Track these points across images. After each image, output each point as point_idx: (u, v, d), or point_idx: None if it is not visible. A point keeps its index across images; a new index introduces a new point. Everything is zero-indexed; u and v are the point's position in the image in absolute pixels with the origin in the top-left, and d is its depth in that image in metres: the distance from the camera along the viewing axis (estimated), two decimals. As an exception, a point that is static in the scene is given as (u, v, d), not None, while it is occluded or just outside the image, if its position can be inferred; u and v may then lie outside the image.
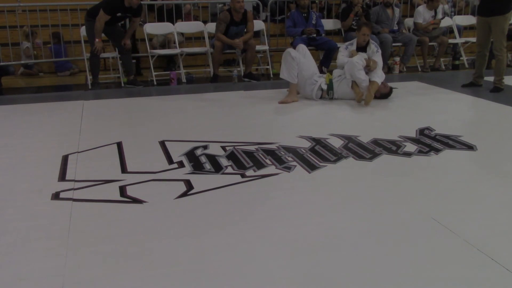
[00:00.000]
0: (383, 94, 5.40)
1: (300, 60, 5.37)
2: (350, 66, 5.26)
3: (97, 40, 6.08)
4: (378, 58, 5.50)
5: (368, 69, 5.33)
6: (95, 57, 6.23)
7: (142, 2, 7.63)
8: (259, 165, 3.39)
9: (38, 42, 7.12)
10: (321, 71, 6.21)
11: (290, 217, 2.64)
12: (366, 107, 5.07)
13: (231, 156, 3.56)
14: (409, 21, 7.88)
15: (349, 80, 5.31)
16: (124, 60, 6.44)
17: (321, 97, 5.44)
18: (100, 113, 4.98)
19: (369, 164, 3.45)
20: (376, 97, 5.29)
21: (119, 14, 6.13)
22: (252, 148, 3.73)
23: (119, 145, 3.86)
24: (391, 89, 5.47)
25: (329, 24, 7.75)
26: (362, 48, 5.56)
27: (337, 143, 3.85)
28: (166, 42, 7.34)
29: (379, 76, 5.30)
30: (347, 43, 5.80)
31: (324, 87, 5.40)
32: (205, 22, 7.40)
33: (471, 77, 6.13)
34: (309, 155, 3.58)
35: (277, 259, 2.24)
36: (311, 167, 3.36)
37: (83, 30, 6.48)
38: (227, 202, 2.84)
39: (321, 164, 3.41)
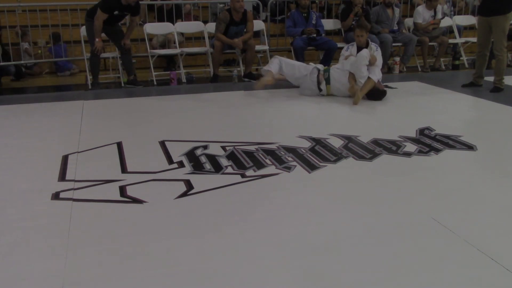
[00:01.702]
0: (376, 93, 5.34)
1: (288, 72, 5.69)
2: (358, 58, 5.29)
3: (97, 39, 6.07)
4: (377, 57, 5.51)
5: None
6: (95, 57, 6.23)
7: (142, 2, 7.66)
8: (259, 165, 3.39)
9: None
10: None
11: (290, 217, 2.64)
12: (365, 107, 5.07)
13: (231, 156, 3.56)
14: (409, 21, 7.88)
15: (346, 72, 5.34)
16: (124, 60, 6.43)
17: (318, 81, 5.52)
18: (100, 113, 4.98)
19: (369, 164, 3.44)
20: (370, 99, 5.28)
21: (116, 12, 6.11)
22: (252, 148, 3.73)
23: (119, 145, 3.86)
24: (385, 91, 5.43)
25: (329, 24, 7.75)
26: (362, 48, 5.57)
27: (337, 143, 3.85)
28: (166, 42, 7.34)
29: (375, 74, 5.31)
30: (348, 45, 5.82)
31: (321, 67, 5.55)
32: (205, 22, 7.40)
33: (471, 77, 6.13)
34: (309, 155, 3.58)
35: (277, 259, 2.24)
36: (311, 167, 3.36)
37: (83, 30, 6.46)
38: (227, 202, 2.84)
39: (321, 164, 3.41)
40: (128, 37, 6.35)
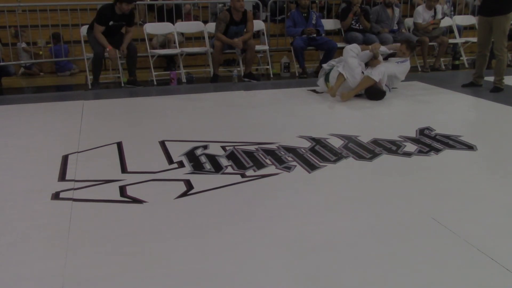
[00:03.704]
0: (375, 93, 5.32)
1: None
2: (344, 52, 5.42)
3: (107, 48, 6.14)
4: (398, 67, 5.50)
5: (372, 63, 5.40)
6: (98, 60, 6.24)
7: (142, 2, 7.66)
8: (259, 165, 3.39)
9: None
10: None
11: (290, 217, 2.64)
12: (365, 107, 5.08)
13: (231, 156, 3.56)
14: (409, 21, 7.88)
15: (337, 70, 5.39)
16: (129, 61, 6.45)
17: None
18: (100, 113, 4.98)
19: (369, 164, 3.44)
20: (369, 98, 5.28)
21: (111, 23, 6.20)
22: (252, 148, 3.73)
23: (119, 145, 3.86)
24: (384, 91, 5.39)
25: (329, 24, 7.75)
26: (392, 53, 5.54)
27: (337, 143, 3.85)
28: (166, 42, 7.34)
29: (377, 74, 5.25)
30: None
31: (327, 67, 5.63)
32: (205, 22, 7.40)
33: (471, 77, 6.13)
34: (309, 155, 3.58)
35: (277, 259, 2.24)
36: (311, 167, 3.36)
37: (83, 30, 6.50)
38: (227, 202, 2.84)
39: (321, 164, 3.41)
40: (125, 44, 6.32)
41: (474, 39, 6.94)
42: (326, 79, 5.53)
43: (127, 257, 2.26)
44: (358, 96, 5.40)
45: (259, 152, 3.63)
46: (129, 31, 6.39)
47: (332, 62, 5.70)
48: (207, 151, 3.68)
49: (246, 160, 3.47)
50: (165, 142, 3.90)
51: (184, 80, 6.85)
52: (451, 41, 7.90)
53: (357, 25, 7.43)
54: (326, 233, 2.47)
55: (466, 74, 6.73)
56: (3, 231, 2.51)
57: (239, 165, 3.38)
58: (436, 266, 2.17)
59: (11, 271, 2.15)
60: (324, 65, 5.71)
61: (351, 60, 5.25)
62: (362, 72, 5.30)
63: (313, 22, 7.17)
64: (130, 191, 2.99)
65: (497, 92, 5.74)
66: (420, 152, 3.66)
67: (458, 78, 6.80)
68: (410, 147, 3.77)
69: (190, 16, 8.00)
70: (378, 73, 5.25)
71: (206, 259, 2.24)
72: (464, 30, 8.55)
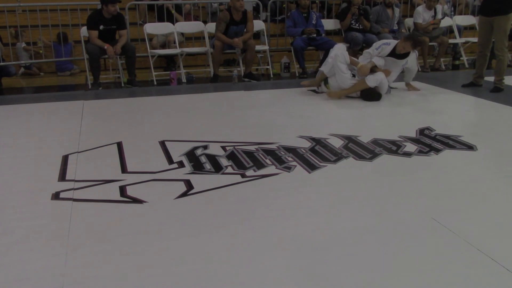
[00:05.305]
0: (370, 94, 5.31)
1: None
2: (333, 53, 5.45)
3: (106, 46, 6.14)
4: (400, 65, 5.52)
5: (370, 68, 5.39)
6: (94, 60, 6.25)
7: (142, 2, 7.66)
8: (259, 165, 3.39)
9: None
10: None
11: (290, 217, 2.64)
12: (365, 107, 5.08)
13: (231, 156, 3.56)
14: (409, 21, 7.89)
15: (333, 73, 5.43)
16: (128, 61, 6.44)
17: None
18: (100, 113, 4.98)
19: (369, 164, 3.44)
20: (364, 99, 5.29)
21: (102, 27, 6.23)
22: (252, 148, 3.73)
23: (119, 145, 3.86)
24: (380, 94, 5.36)
25: (329, 24, 7.75)
26: (399, 55, 5.43)
27: (337, 143, 3.85)
28: (166, 42, 7.34)
29: (375, 80, 5.25)
30: (384, 42, 5.62)
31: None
32: (205, 22, 7.41)
33: (471, 77, 6.13)
34: (309, 155, 3.58)
35: (277, 259, 2.24)
36: (311, 167, 3.36)
37: (83, 31, 6.50)
38: (227, 202, 2.84)
39: (321, 164, 3.41)
40: (119, 44, 6.30)
41: (474, 39, 6.95)
42: (326, 82, 5.54)
43: (127, 257, 2.26)
44: (357, 96, 5.40)
45: (259, 152, 3.63)
46: (122, 34, 6.40)
47: (328, 62, 5.67)
48: (207, 151, 3.68)
49: (246, 160, 3.47)
50: (165, 142, 3.90)
51: (184, 80, 6.85)
52: (451, 41, 7.90)
53: (357, 25, 7.43)
54: (326, 233, 2.47)
55: (466, 74, 6.73)
56: (3, 231, 2.51)
57: (239, 165, 3.38)
58: (436, 266, 2.17)
59: (11, 271, 2.15)
60: (322, 69, 5.66)
61: (341, 66, 5.32)
62: (353, 75, 5.34)
63: (313, 22, 7.17)
64: (130, 191, 2.99)
65: (497, 92, 5.74)
66: (420, 152, 3.66)
67: (458, 78, 6.79)
68: (410, 147, 3.77)
69: (190, 16, 8.01)
70: (375, 80, 5.26)
71: (206, 259, 2.24)
72: (464, 30, 8.55)
